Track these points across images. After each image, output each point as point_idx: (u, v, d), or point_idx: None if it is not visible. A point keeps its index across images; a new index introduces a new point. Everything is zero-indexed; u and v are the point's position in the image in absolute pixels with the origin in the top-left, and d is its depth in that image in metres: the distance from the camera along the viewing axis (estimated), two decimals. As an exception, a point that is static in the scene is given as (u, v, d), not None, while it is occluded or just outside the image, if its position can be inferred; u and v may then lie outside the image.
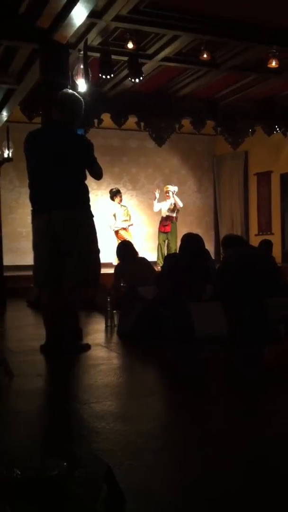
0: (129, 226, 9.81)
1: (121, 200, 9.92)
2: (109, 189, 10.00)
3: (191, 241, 4.88)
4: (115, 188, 10.10)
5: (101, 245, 3.99)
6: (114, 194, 9.89)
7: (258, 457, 1.88)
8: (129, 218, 9.87)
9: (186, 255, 4.77)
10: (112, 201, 9.88)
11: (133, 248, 6.37)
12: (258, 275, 4.74)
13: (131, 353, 3.98)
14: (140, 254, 7.02)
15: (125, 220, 9.79)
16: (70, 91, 4.01)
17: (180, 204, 10.12)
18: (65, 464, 1.50)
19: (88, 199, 3.82)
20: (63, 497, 1.40)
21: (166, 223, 10.08)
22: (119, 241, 9.48)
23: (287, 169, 11.33)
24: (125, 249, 6.33)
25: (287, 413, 2.42)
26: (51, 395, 2.94)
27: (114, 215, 9.77)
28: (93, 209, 3.88)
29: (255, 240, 11.19)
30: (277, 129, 9.95)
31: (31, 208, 3.87)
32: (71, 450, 1.97)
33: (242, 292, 4.53)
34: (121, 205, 9.91)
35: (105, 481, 1.48)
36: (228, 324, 4.21)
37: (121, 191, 10.34)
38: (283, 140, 10.59)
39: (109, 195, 9.98)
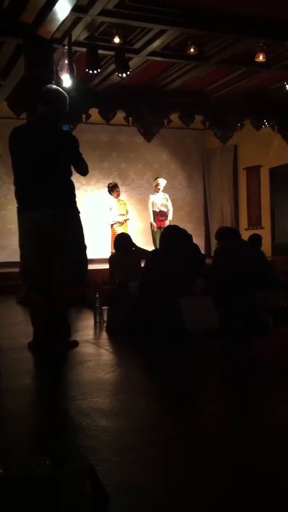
0: (125, 220, 9.76)
1: (118, 195, 9.88)
2: (98, 185, 9.91)
3: (178, 236, 4.86)
4: (112, 183, 10.10)
5: (90, 241, 3.98)
6: (111, 188, 9.91)
7: (247, 452, 1.88)
8: (126, 212, 9.86)
9: (174, 251, 4.75)
10: (110, 195, 9.89)
11: (130, 240, 6.39)
12: (249, 269, 4.75)
13: (119, 349, 3.98)
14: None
15: (122, 214, 9.78)
16: (54, 86, 3.97)
17: (171, 208, 10.12)
18: (48, 462, 1.50)
19: (74, 195, 3.80)
20: (46, 495, 1.40)
21: (161, 218, 9.97)
22: (113, 235, 9.52)
23: (276, 163, 11.33)
24: (122, 240, 6.43)
25: (277, 407, 2.43)
26: (38, 392, 2.94)
27: (110, 209, 9.78)
28: (83, 204, 3.87)
29: (245, 234, 11.12)
30: (266, 123, 9.95)
31: (17, 205, 3.85)
32: (56, 447, 1.96)
33: (233, 287, 4.54)
34: (118, 200, 9.90)
35: (88, 478, 1.48)
36: (219, 318, 4.21)
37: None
38: (272, 134, 10.58)
39: (100, 190, 9.93)
